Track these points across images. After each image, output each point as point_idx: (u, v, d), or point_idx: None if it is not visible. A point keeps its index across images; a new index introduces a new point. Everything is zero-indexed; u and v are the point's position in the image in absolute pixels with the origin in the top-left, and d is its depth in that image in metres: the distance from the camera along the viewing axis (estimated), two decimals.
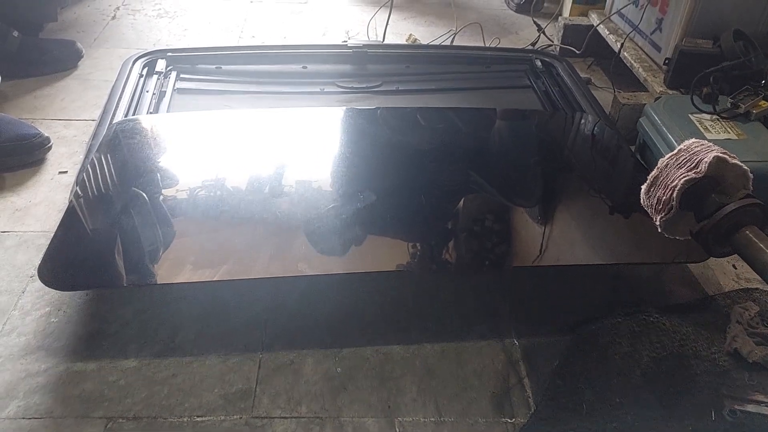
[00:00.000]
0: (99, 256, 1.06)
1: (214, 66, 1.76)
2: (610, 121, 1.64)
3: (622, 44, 1.81)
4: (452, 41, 2.04)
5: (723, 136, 1.43)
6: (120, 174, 1.25)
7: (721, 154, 0.88)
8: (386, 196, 1.24)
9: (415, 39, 2.09)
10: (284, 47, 1.83)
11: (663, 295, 1.21)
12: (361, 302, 1.15)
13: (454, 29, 2.09)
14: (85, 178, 1.20)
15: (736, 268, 1.29)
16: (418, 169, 1.35)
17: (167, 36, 2.10)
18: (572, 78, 1.80)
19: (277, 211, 1.17)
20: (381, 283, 1.19)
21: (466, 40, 2.12)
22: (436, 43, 2.07)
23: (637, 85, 1.77)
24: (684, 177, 0.88)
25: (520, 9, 2.45)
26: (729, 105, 1.48)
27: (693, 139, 0.93)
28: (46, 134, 1.47)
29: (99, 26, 2.12)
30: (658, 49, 1.73)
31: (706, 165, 0.87)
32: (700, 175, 0.87)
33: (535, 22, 2.15)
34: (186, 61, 1.75)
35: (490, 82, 1.82)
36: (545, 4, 2.46)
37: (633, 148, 1.59)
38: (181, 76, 1.71)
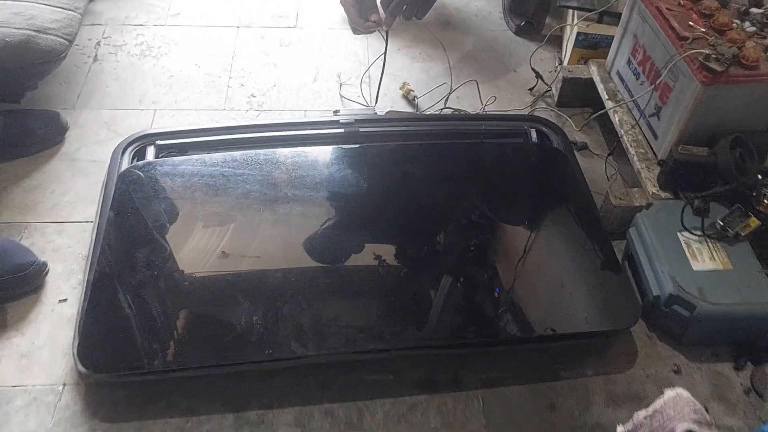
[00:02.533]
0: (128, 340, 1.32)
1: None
2: (597, 211, 1.65)
3: (622, 135, 1.77)
4: (446, 101, 1.99)
5: (709, 265, 1.45)
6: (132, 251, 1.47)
7: (692, 425, 0.93)
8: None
9: (410, 89, 2.03)
10: (278, 126, 1.79)
11: None
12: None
13: (450, 86, 2.02)
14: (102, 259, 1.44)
15: None
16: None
17: (153, 86, 2.02)
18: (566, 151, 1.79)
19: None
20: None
21: (462, 91, 2.05)
22: (431, 95, 2.01)
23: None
24: None
25: (519, 31, 2.34)
26: (719, 227, 1.49)
27: (670, 395, 0.97)
28: (43, 259, 1.49)
29: (81, 74, 2.04)
30: (655, 136, 1.70)
31: None
32: None
33: (533, 69, 2.08)
34: (174, 148, 1.72)
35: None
36: (547, 20, 2.37)
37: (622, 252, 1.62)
38: None
